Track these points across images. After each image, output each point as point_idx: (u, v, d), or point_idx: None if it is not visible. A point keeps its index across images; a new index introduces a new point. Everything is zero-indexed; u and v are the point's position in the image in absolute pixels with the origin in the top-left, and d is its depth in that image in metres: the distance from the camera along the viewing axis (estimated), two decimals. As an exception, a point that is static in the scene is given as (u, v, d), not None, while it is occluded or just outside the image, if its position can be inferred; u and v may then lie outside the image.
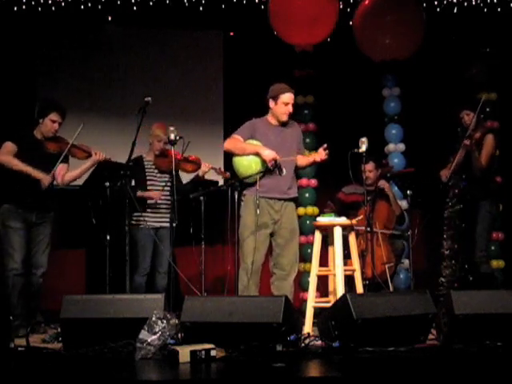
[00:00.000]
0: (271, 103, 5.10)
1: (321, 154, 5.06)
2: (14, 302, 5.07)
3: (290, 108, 5.08)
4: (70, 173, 5.42)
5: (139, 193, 5.65)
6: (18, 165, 5.13)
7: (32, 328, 4.78)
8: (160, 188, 5.69)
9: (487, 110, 6.76)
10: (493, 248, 6.72)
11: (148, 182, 5.75)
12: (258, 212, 4.87)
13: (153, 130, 5.77)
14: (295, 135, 5.22)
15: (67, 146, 5.22)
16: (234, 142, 5.07)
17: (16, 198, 5.17)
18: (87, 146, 5.35)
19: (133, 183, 5.60)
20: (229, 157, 5.23)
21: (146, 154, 5.84)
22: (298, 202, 5.36)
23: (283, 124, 5.14)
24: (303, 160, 5.19)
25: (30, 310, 5.24)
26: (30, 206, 5.18)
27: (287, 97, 5.06)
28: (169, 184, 5.56)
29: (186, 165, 5.70)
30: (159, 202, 5.70)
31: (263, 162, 4.95)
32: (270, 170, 4.91)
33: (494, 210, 5.79)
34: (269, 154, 4.91)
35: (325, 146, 5.07)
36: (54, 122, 5.23)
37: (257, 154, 4.97)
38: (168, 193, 5.61)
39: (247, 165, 5.00)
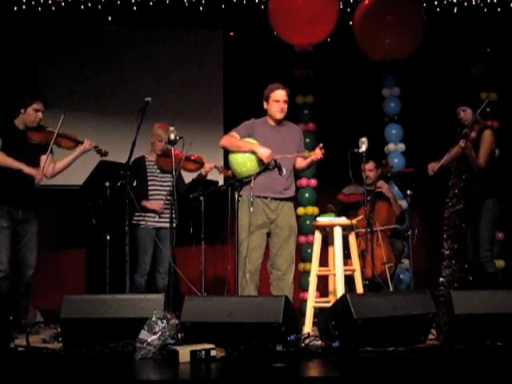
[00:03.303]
0: (265, 105, 5.13)
1: (317, 154, 5.07)
2: None
3: (281, 104, 5.08)
4: (58, 163, 5.31)
5: (143, 202, 5.65)
6: (7, 162, 5.02)
7: (31, 328, 4.77)
8: (165, 189, 5.69)
9: (487, 109, 6.75)
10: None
11: (150, 183, 5.76)
12: (252, 209, 4.87)
13: (154, 129, 5.78)
14: (295, 136, 5.22)
15: (53, 136, 5.12)
16: (230, 139, 5.09)
17: (1, 195, 5.08)
18: (74, 134, 5.28)
19: (134, 183, 5.60)
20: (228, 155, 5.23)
21: (147, 154, 5.84)
22: (295, 200, 5.35)
23: (281, 124, 5.16)
24: (302, 162, 5.20)
25: (21, 311, 5.18)
26: (15, 202, 5.09)
27: (277, 94, 5.08)
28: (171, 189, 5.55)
29: (189, 164, 5.70)
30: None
31: (259, 160, 4.95)
32: (269, 168, 4.91)
33: (498, 208, 5.71)
34: (264, 152, 4.91)
35: (321, 145, 5.08)
36: (37, 111, 5.15)
37: (252, 152, 4.97)
38: (168, 197, 5.61)
39: (242, 162, 5.00)
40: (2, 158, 5.03)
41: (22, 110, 5.16)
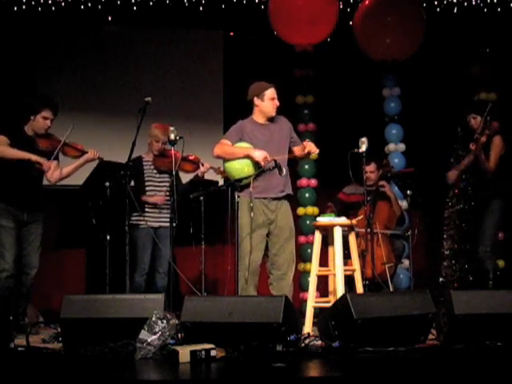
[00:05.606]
0: (257, 101, 5.12)
1: (311, 149, 5.02)
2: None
3: (276, 102, 5.12)
4: (63, 170, 5.38)
5: (143, 197, 5.65)
6: (15, 153, 5.06)
7: (31, 328, 4.76)
8: (162, 190, 5.69)
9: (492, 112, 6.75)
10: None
11: (147, 183, 5.75)
12: (252, 215, 4.88)
13: (151, 130, 5.76)
14: (284, 129, 5.20)
15: (59, 144, 5.19)
16: (223, 147, 5.07)
17: (7, 196, 5.11)
18: (80, 144, 5.34)
19: (132, 183, 5.60)
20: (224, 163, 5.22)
21: (145, 154, 5.84)
22: (294, 200, 5.34)
23: (270, 120, 5.16)
24: (300, 151, 5.15)
25: (20, 312, 5.17)
26: (21, 204, 5.12)
27: (272, 92, 5.12)
28: (168, 189, 5.55)
29: (186, 164, 5.69)
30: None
31: (255, 163, 4.95)
32: (269, 168, 4.92)
33: (503, 209, 5.76)
34: (259, 154, 4.90)
35: (304, 142, 5.09)
36: (45, 118, 5.19)
37: (247, 157, 4.96)
38: (168, 193, 5.61)
39: (240, 168, 4.99)
40: (10, 150, 5.07)
41: (32, 117, 5.21)
